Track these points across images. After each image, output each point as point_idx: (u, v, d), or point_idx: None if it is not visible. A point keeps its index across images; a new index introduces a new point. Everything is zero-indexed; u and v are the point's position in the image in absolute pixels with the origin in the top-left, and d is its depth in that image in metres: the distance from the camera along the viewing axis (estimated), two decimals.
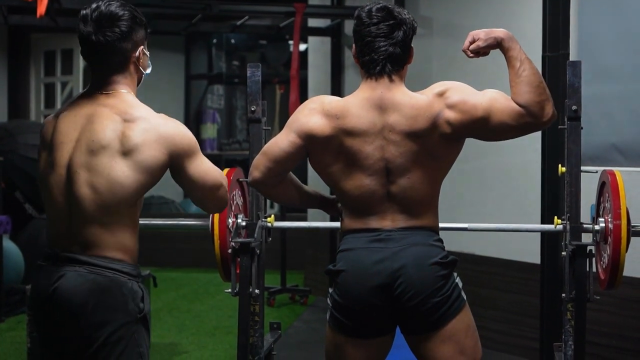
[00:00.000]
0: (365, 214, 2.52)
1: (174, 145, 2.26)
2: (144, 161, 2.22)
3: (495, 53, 2.65)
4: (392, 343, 2.58)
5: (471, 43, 2.58)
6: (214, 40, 10.89)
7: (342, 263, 2.51)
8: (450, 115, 2.47)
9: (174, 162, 2.28)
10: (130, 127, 2.23)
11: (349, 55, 6.88)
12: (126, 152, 2.22)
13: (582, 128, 3.21)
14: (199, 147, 2.35)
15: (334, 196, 2.72)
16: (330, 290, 2.55)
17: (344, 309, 2.49)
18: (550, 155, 4.37)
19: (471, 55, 2.58)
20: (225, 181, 2.42)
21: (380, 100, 2.49)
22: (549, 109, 2.46)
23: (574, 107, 3.19)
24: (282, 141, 2.56)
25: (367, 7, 2.55)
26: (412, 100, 2.49)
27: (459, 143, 2.54)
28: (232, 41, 10.76)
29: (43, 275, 2.25)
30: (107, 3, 2.29)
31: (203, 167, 2.34)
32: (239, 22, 6.93)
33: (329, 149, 2.51)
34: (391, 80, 2.52)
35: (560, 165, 3.28)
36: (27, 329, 4.40)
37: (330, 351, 2.59)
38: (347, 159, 2.50)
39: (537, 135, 4.46)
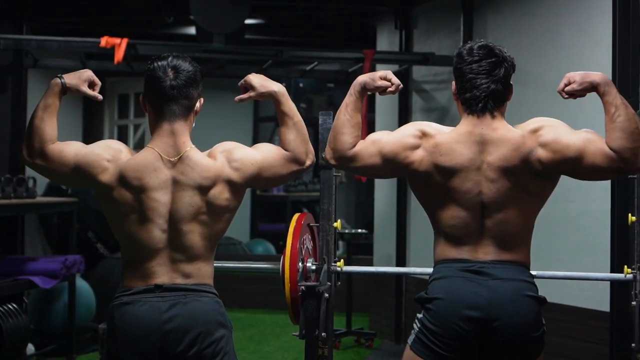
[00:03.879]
0: (459, 243, 2.58)
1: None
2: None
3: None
4: None
5: (566, 85, 2.62)
6: (283, 84, 11.04)
7: (438, 291, 2.56)
8: (542, 153, 2.53)
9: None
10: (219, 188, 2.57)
11: (416, 99, 6.92)
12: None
13: None
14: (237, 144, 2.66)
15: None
16: (420, 315, 2.60)
17: (435, 335, 2.54)
18: (620, 203, 4.33)
19: (565, 97, 2.63)
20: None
21: (481, 137, 2.56)
22: None
23: None
24: None
25: (468, 45, 2.62)
26: (508, 135, 2.56)
27: (553, 180, 2.60)
28: (301, 85, 10.92)
29: (145, 308, 2.48)
30: (178, 56, 2.61)
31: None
32: (308, 68, 7.04)
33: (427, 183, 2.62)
34: (493, 117, 2.59)
35: (630, 214, 3.26)
36: None
37: None
38: (445, 193, 2.58)
39: (606, 182, 4.43)
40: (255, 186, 2.66)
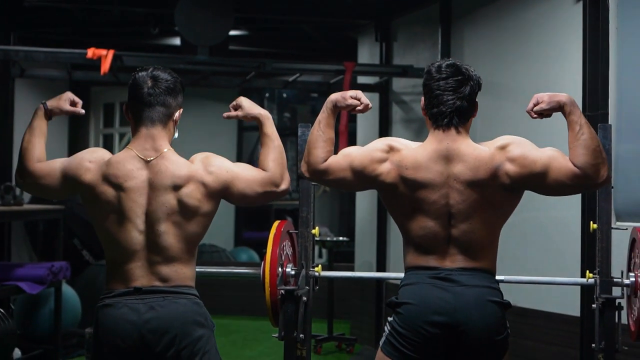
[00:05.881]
0: (427, 252, 2.72)
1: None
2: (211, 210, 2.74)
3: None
4: None
5: (535, 105, 2.77)
6: (267, 94, 11.18)
7: (407, 296, 2.69)
8: (510, 168, 2.66)
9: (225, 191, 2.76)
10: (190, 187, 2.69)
11: (396, 110, 7.08)
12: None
13: (612, 187, 3.34)
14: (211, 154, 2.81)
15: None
16: (390, 319, 2.73)
17: (404, 337, 2.67)
18: (589, 211, 4.47)
19: (534, 116, 2.78)
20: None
21: (447, 151, 2.69)
22: (604, 172, 2.64)
23: None
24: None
25: (437, 63, 2.75)
26: (475, 152, 2.69)
27: (518, 195, 2.73)
28: (284, 95, 11.04)
29: (125, 310, 2.60)
30: (159, 68, 2.81)
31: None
32: (290, 79, 7.17)
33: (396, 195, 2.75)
34: (458, 132, 2.71)
35: (591, 222, 3.42)
36: None
37: None
38: (412, 204, 2.72)
39: None
40: (229, 197, 2.75)
